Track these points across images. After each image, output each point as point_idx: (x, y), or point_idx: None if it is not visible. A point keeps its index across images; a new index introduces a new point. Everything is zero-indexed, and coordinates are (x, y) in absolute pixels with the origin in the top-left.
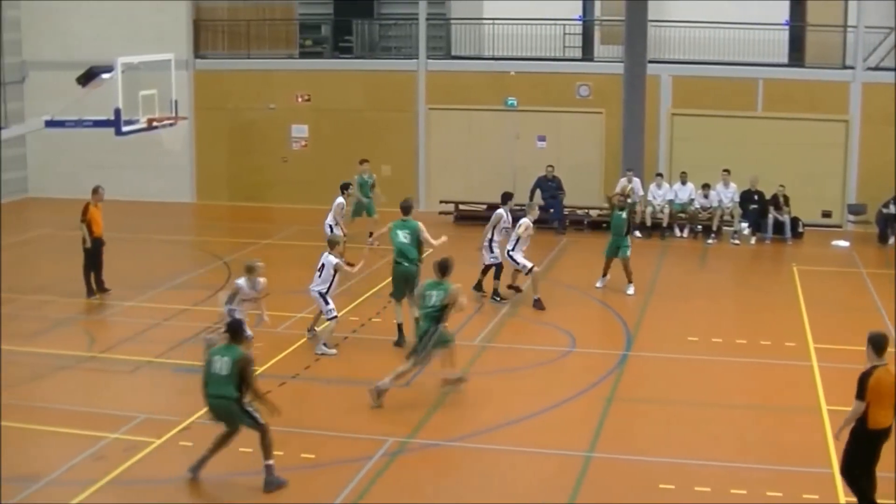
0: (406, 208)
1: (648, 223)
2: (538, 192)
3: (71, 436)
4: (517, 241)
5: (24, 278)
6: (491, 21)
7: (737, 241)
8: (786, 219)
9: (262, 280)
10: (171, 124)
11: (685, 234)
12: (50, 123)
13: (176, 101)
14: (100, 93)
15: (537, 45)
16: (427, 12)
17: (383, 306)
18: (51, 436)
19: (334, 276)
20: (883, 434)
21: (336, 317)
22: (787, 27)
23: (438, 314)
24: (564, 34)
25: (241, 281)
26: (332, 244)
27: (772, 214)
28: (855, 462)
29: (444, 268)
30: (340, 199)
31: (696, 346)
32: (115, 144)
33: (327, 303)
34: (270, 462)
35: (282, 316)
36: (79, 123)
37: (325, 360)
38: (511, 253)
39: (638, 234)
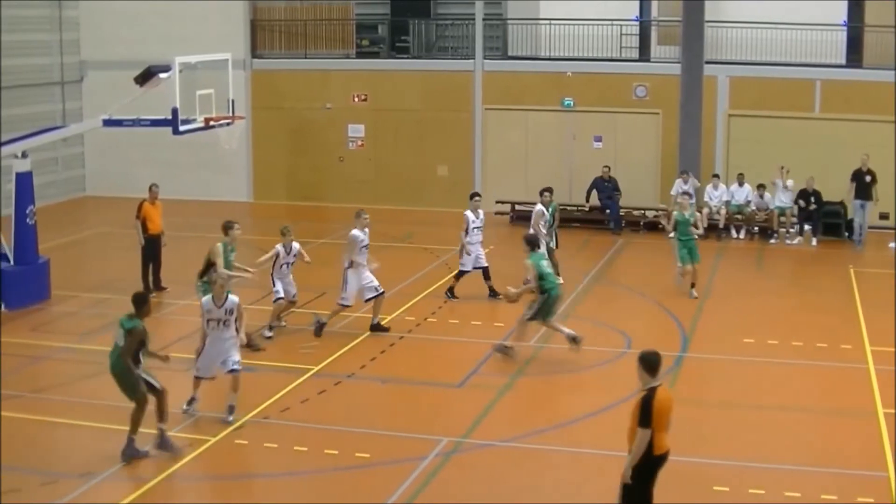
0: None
1: (705, 224)
2: (594, 192)
3: (127, 433)
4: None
5: (82, 276)
6: (547, 21)
7: (792, 242)
8: (866, 213)
9: (296, 245)
10: (228, 124)
11: (742, 235)
12: (108, 122)
13: (233, 101)
14: (157, 92)
15: (594, 45)
16: (484, 12)
17: (438, 306)
18: (107, 433)
19: (275, 260)
20: (666, 457)
21: (278, 300)
22: (844, 28)
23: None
24: (621, 34)
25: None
26: (283, 233)
27: (857, 204)
28: (636, 492)
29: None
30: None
31: (752, 348)
32: (173, 144)
33: (274, 284)
34: (163, 425)
35: (338, 315)
36: (136, 122)
37: (381, 359)
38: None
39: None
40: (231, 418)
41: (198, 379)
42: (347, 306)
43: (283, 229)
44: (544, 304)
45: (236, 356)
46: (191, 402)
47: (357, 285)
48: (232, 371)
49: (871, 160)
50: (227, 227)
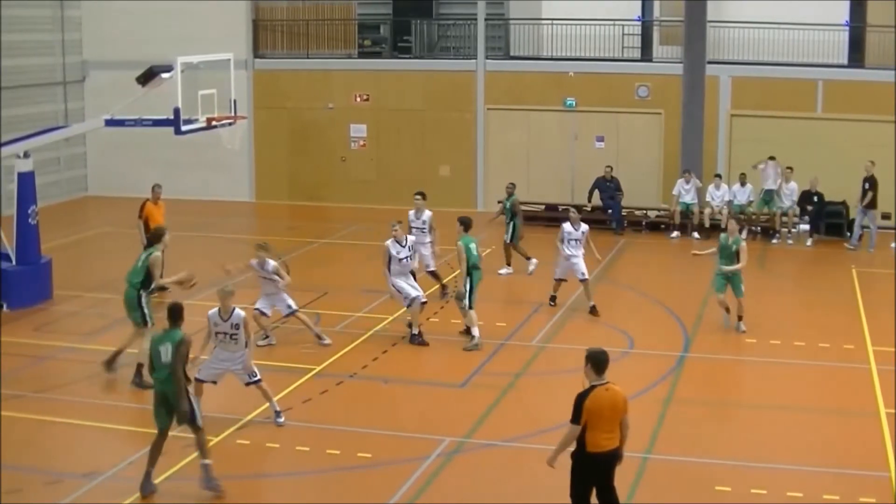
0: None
1: (707, 224)
2: (596, 192)
3: (130, 432)
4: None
5: (84, 276)
6: (550, 21)
7: (797, 242)
8: (869, 219)
9: (271, 262)
10: (230, 123)
11: (743, 235)
12: (110, 122)
13: (235, 101)
14: (159, 92)
15: (596, 45)
16: (486, 12)
17: (440, 306)
18: (110, 432)
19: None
20: (606, 457)
21: (259, 313)
22: (846, 28)
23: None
24: (623, 35)
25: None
26: (258, 247)
27: (859, 208)
28: (579, 488)
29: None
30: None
31: (754, 348)
32: (175, 144)
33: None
34: (208, 461)
35: (340, 315)
36: (139, 122)
37: (383, 359)
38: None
39: (696, 235)
40: (281, 420)
41: (198, 382)
42: (421, 300)
43: (261, 244)
44: (472, 285)
45: (251, 367)
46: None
47: (406, 284)
48: (253, 383)
49: (873, 160)
50: (160, 234)
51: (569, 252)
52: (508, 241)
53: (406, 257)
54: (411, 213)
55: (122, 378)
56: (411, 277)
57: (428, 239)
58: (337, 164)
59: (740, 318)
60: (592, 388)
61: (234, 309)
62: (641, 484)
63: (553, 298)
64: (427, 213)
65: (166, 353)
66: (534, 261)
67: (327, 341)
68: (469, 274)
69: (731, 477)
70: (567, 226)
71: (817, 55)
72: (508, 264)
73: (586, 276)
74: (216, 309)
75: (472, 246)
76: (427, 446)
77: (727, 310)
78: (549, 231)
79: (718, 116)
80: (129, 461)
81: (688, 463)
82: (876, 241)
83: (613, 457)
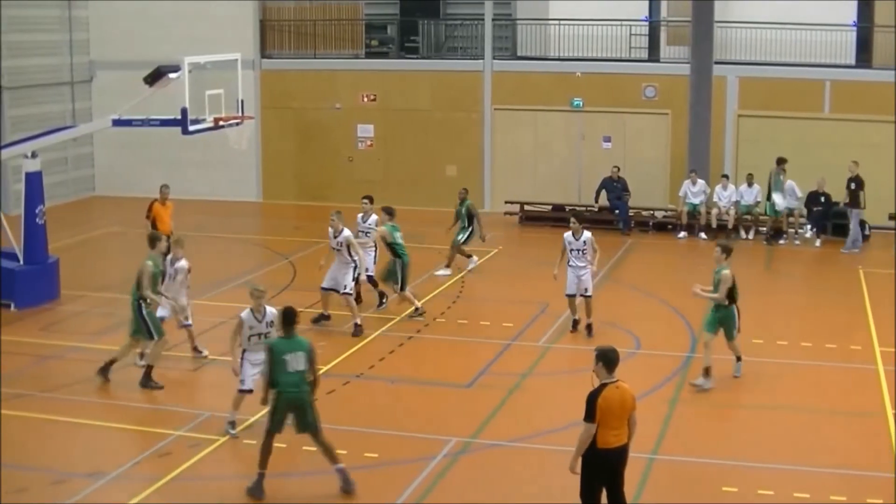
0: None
1: (714, 225)
2: (603, 192)
3: (136, 432)
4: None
5: (91, 276)
6: (557, 21)
7: (802, 243)
8: (857, 215)
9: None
10: (237, 123)
11: (750, 235)
12: (117, 122)
13: (242, 101)
14: (167, 92)
15: (603, 45)
16: (493, 12)
17: (447, 307)
18: (116, 432)
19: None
20: (615, 453)
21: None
22: (854, 28)
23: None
24: (631, 35)
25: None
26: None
27: (848, 209)
28: (589, 486)
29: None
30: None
31: (761, 349)
32: (182, 144)
33: None
34: (342, 465)
35: (347, 315)
36: (146, 122)
37: (389, 359)
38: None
39: (703, 235)
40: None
41: (241, 394)
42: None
43: (177, 238)
44: (404, 268)
45: None
46: (234, 424)
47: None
48: None
49: (879, 160)
50: (155, 239)
51: (574, 263)
52: (461, 243)
53: (334, 249)
54: (359, 215)
55: (128, 378)
56: (344, 270)
57: (371, 243)
58: (344, 164)
59: (738, 359)
60: (603, 385)
61: (266, 308)
62: (648, 484)
63: (575, 323)
64: (373, 218)
65: (296, 360)
66: (474, 259)
67: (205, 353)
68: (399, 257)
69: (738, 477)
70: (568, 235)
71: (825, 55)
72: (448, 266)
73: (590, 294)
74: (248, 310)
75: (398, 235)
76: (433, 446)
77: (738, 358)
78: (556, 231)
79: (725, 117)
80: (135, 461)
81: (694, 463)
82: (876, 240)
83: (623, 452)
